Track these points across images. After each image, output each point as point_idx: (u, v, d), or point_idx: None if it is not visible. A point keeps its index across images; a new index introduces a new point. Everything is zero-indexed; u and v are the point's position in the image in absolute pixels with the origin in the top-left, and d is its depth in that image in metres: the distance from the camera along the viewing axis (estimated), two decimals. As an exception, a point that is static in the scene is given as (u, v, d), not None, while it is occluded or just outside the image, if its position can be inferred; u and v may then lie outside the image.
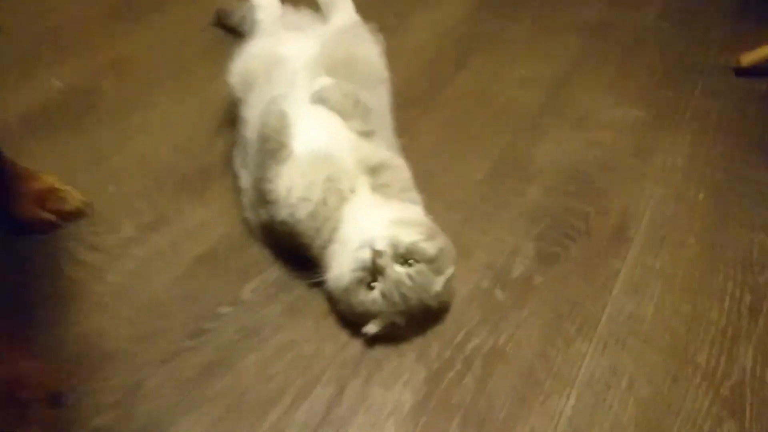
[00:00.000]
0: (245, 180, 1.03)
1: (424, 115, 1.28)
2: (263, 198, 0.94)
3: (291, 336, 0.89)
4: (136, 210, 1.06)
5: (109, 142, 1.19)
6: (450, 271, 0.87)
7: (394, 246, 0.84)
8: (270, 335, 0.89)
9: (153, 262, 0.98)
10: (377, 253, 0.83)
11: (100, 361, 0.86)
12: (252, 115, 1.03)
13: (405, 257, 0.84)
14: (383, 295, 0.83)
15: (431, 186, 1.02)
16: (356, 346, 0.88)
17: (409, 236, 0.85)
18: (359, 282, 0.84)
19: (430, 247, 0.85)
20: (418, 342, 0.89)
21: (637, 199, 1.12)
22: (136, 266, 0.98)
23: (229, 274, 0.97)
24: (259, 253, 0.99)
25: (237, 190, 1.05)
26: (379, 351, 0.88)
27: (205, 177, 1.12)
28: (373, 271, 0.84)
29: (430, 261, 0.85)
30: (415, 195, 0.95)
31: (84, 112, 1.26)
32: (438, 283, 0.86)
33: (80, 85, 1.32)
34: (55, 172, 1.07)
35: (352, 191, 0.91)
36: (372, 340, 0.87)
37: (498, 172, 1.16)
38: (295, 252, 0.93)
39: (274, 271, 0.97)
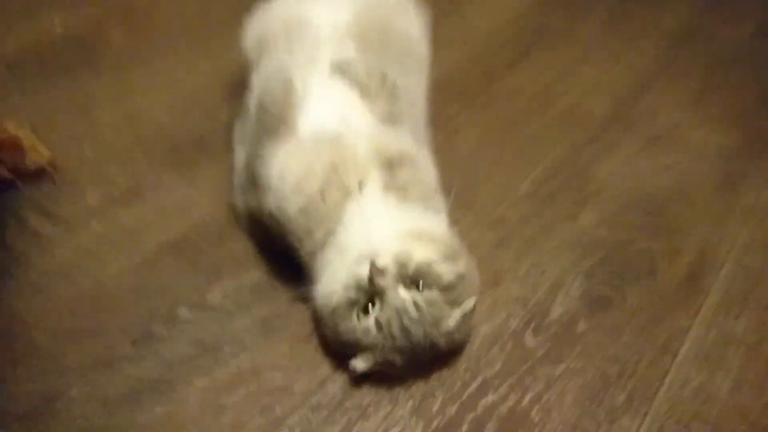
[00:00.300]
0: (239, 157, 0.85)
1: (468, 111, 1.08)
2: (253, 181, 0.76)
3: (257, 360, 0.70)
4: (108, 177, 0.89)
5: (100, 97, 1.02)
6: (470, 304, 0.67)
7: (402, 264, 0.65)
8: (231, 355, 0.70)
9: (113, 241, 0.81)
10: (378, 270, 0.63)
11: (19, 355, 0.69)
12: (259, 82, 0.85)
13: (414, 280, 0.65)
14: (379, 324, 0.64)
15: (463, 196, 0.81)
16: (338, 384, 0.69)
17: (422, 253, 0.66)
18: (352, 304, 0.65)
19: (447, 271, 0.66)
20: (417, 388, 0.70)
21: (717, 242, 0.89)
22: (91, 244, 0.81)
23: (199, 269, 0.79)
24: (241, 248, 0.81)
25: (231, 169, 0.87)
26: (367, 394, 0.68)
27: (197, 149, 0.94)
28: (371, 293, 0.64)
29: (446, 288, 0.65)
30: (439, 203, 0.75)
31: (81, 61, 1.10)
32: (452, 318, 0.66)
33: (84, 33, 1.16)
34: (29, 121, 0.91)
35: (360, 187, 0.71)
36: (359, 379, 0.68)
37: (547, 187, 0.95)
38: (283, 253, 0.75)
39: (254, 274, 0.78)
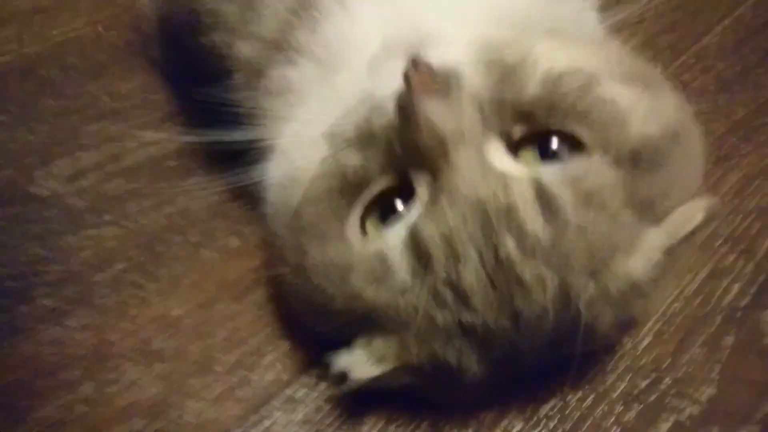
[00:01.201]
0: None
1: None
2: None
3: (118, 331, 0.28)
4: None
5: None
6: (696, 217, 0.23)
7: (506, 68, 0.21)
8: (87, 309, 0.28)
9: None
10: (424, 78, 0.20)
11: None
12: None
13: (540, 127, 0.22)
14: (423, 251, 0.21)
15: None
16: (301, 410, 0.26)
17: (564, 56, 0.22)
18: (348, 187, 0.23)
19: (638, 114, 0.22)
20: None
21: None
22: None
23: (43, 115, 0.37)
24: (139, 87, 0.39)
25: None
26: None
27: None
28: (405, 153, 0.21)
29: (633, 161, 0.21)
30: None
31: None
32: (647, 248, 0.22)
33: None
34: None
35: None
36: (357, 405, 0.25)
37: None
38: (209, 83, 0.32)
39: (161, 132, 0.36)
